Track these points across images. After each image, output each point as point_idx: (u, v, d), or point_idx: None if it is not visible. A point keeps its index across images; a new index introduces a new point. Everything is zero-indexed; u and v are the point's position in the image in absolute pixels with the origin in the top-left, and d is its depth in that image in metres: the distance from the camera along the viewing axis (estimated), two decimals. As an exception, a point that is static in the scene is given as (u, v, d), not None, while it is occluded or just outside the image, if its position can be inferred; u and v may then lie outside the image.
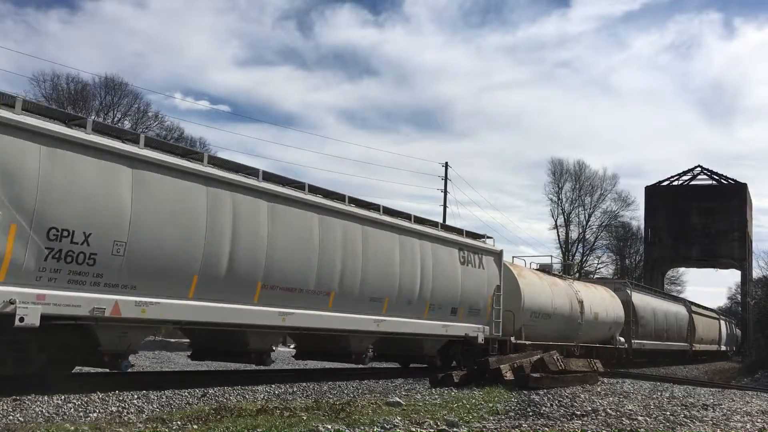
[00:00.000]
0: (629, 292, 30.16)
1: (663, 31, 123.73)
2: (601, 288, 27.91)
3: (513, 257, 23.68)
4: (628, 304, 29.00)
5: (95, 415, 8.22)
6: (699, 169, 57.41)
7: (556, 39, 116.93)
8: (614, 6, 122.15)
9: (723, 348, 50.82)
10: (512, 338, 19.34)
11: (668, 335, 34.87)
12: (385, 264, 14.71)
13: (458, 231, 18.30)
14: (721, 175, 56.94)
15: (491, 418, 8.48)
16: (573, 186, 69.03)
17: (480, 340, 17.86)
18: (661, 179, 58.73)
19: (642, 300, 31.78)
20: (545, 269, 24.73)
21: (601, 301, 26.12)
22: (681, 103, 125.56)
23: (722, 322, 51.72)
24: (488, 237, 19.35)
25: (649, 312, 31.97)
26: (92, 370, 11.48)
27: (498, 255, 19.28)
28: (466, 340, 17.62)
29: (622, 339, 27.83)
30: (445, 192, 45.39)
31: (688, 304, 41.18)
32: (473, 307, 17.69)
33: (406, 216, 16.11)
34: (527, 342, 20.07)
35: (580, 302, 24.03)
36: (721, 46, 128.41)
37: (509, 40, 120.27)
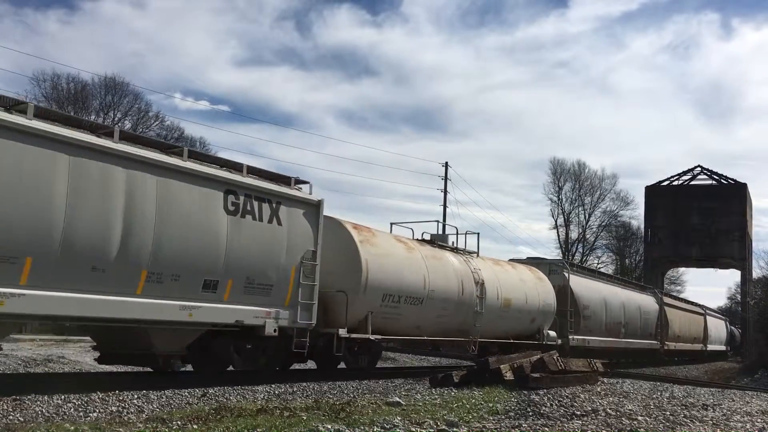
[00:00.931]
0: (567, 275, 24.10)
1: (661, 31, 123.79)
2: (522, 268, 21.73)
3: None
4: (564, 290, 23.31)
5: (95, 414, 8.22)
6: (699, 169, 57.42)
7: (554, 39, 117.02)
8: (612, 6, 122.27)
9: (712, 347, 46.24)
10: (342, 330, 14.02)
11: (628, 331, 29.06)
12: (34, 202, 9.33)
13: (234, 165, 12.57)
14: (721, 175, 56.95)
15: (491, 418, 8.48)
16: (573, 186, 69.16)
17: (270, 330, 12.51)
18: (659, 179, 58.82)
19: (586, 286, 25.77)
20: (433, 240, 18.42)
21: (518, 285, 20.18)
22: (679, 104, 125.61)
23: (710, 318, 47.15)
24: (303, 182, 13.88)
25: (596, 301, 26.13)
26: (93, 369, 11.49)
27: (314, 207, 13.56)
28: (244, 331, 12.47)
29: (553, 334, 21.80)
30: (445, 192, 45.44)
31: (659, 294, 35.59)
32: (258, 282, 12.30)
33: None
34: (375, 337, 14.94)
35: (480, 283, 18.09)
36: (719, 47, 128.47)
37: (507, 41, 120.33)
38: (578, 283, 24.87)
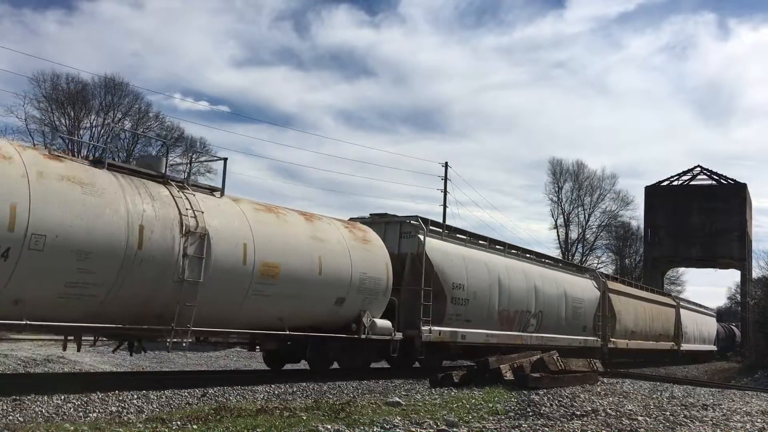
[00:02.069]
0: (422, 238, 16.71)
1: (658, 31, 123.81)
2: (328, 223, 14.78)
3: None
4: (414, 259, 16.68)
5: (95, 415, 8.22)
6: (699, 169, 57.36)
7: (551, 40, 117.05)
8: (609, 7, 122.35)
9: (690, 347, 39.78)
10: None
11: (544, 323, 21.88)
12: None
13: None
14: (720, 175, 56.91)
15: (491, 418, 8.48)
16: (572, 186, 69.13)
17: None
18: (657, 179, 58.73)
19: (458, 256, 18.05)
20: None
21: (302, 245, 13.46)
22: (677, 104, 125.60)
23: (687, 312, 40.23)
24: None
25: (478, 279, 18.52)
26: (93, 369, 11.49)
27: None
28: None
29: (384, 324, 15.11)
30: (445, 192, 45.37)
31: (601, 279, 28.08)
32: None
33: None
34: None
35: (196, 234, 11.34)
36: (717, 47, 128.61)
37: (505, 41, 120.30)
38: (443, 252, 17.39)
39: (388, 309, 15.66)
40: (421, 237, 16.77)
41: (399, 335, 15.55)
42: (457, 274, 17.71)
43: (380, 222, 17.34)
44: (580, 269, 28.77)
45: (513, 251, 22.14)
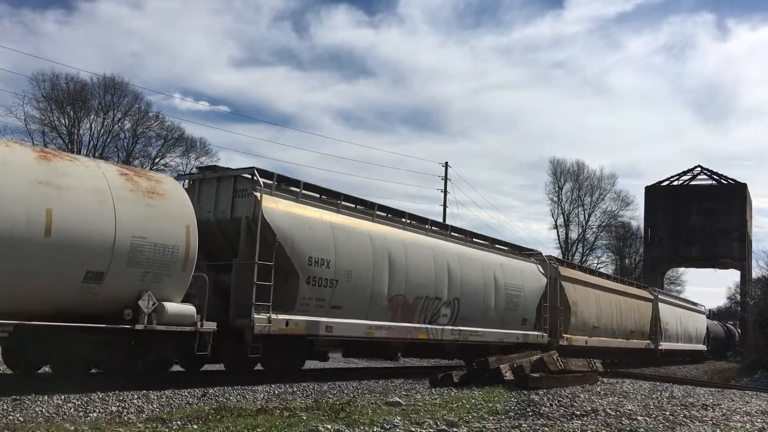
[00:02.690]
0: (258, 196, 12.86)
1: (656, 32, 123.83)
2: (73, 166, 10.30)
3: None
4: (249, 225, 12.84)
5: (95, 414, 8.22)
6: (699, 169, 57.37)
7: (550, 40, 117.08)
8: (607, 7, 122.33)
9: (671, 346, 35.56)
10: None
11: (461, 314, 17.65)
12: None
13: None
14: (720, 175, 56.92)
15: (491, 418, 8.49)
16: (573, 186, 69.17)
17: None
18: (656, 179, 58.81)
19: (321, 223, 13.99)
20: None
21: (21, 195, 9.35)
22: (675, 104, 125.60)
23: (667, 307, 35.77)
24: None
25: (353, 254, 14.47)
26: (92, 369, 11.49)
27: None
28: None
29: (183, 308, 11.13)
30: (445, 192, 45.39)
31: (553, 264, 23.73)
32: None
33: None
34: None
35: None
36: (715, 47, 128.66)
37: (504, 41, 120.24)
38: (293, 217, 13.28)
39: (221, 293, 12.42)
40: (258, 195, 12.75)
41: (210, 326, 11.42)
42: (317, 247, 13.51)
43: (212, 178, 13.64)
44: (523, 251, 23.16)
45: (415, 223, 17.32)
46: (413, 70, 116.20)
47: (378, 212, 16.04)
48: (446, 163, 46.20)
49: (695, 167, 57.49)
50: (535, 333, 21.47)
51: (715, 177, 56.94)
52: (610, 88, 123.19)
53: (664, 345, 34.18)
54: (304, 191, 14.16)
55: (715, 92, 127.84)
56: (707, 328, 45.92)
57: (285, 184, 13.91)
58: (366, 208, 15.75)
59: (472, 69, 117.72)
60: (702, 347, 43.81)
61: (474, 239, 19.93)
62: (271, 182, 13.37)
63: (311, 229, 13.68)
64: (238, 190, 13.25)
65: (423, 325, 16.45)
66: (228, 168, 13.86)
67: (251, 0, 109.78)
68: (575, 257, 65.19)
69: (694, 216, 53.92)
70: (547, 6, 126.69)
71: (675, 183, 57.17)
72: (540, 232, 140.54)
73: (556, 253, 63.39)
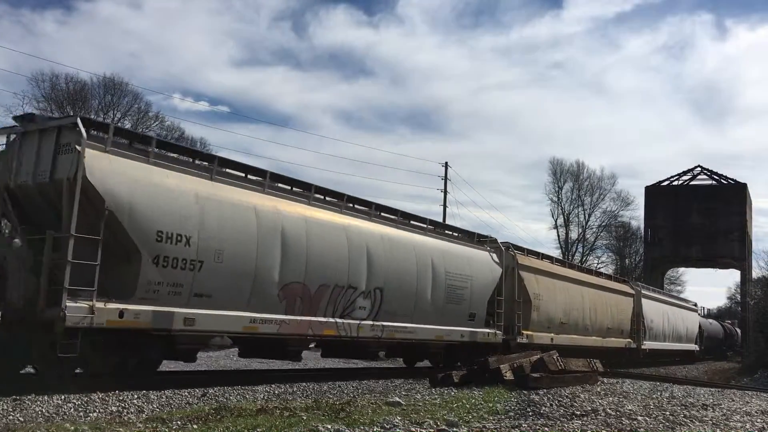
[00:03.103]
0: (80, 150, 10.11)
1: (655, 32, 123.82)
2: None
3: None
4: (70, 189, 10.18)
5: (95, 414, 8.22)
6: (699, 169, 57.37)
7: (549, 40, 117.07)
8: (606, 7, 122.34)
9: (656, 345, 32.18)
10: None
11: (385, 307, 15.11)
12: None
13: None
14: (721, 175, 56.92)
15: (491, 418, 8.49)
16: (573, 186, 69.18)
17: None
18: (655, 179, 58.78)
19: (179, 190, 11.46)
20: None
21: None
22: (674, 104, 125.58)
23: (652, 303, 32.44)
24: None
25: (226, 230, 11.97)
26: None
27: None
28: None
29: None
30: (445, 192, 45.38)
31: (505, 249, 20.67)
32: None
33: None
34: None
35: None
36: (714, 47, 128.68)
37: (502, 42, 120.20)
38: (133, 179, 10.78)
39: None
40: (80, 150, 10.06)
41: None
42: (170, 219, 11.00)
43: (33, 131, 10.84)
44: (475, 237, 19.94)
45: (328, 199, 14.70)
46: (412, 70, 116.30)
47: (271, 182, 13.25)
48: (446, 163, 46.15)
49: (695, 167, 57.50)
50: (485, 330, 18.60)
51: (715, 177, 56.94)
52: (609, 88, 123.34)
53: (649, 344, 30.93)
54: (162, 151, 11.53)
55: (713, 92, 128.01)
56: (700, 327, 42.98)
57: (131, 141, 11.32)
58: (256, 178, 13.10)
59: (471, 69, 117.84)
60: (693, 347, 40.57)
61: (411, 222, 17.15)
62: (105, 136, 10.67)
63: (162, 195, 11.02)
64: (61, 145, 10.47)
65: (331, 319, 13.71)
66: (51, 117, 11.19)
67: (250, 0, 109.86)
68: (575, 257, 65.20)
69: (694, 216, 53.91)
70: (546, 6, 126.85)
71: (675, 183, 57.17)
72: (539, 232, 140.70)
73: (557, 253, 63.41)
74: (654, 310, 32.74)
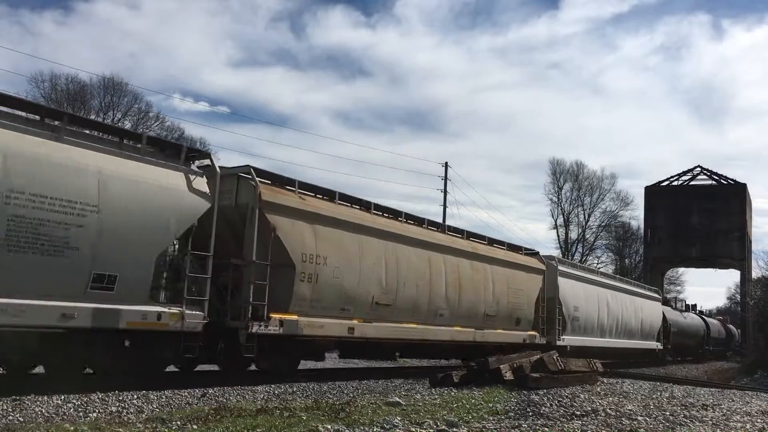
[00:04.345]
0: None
1: (652, 32, 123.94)
2: None
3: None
4: None
5: (95, 415, 8.21)
6: (699, 169, 57.42)
7: (546, 41, 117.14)
8: (603, 8, 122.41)
9: (583, 341, 23.79)
10: None
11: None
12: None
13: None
14: (720, 175, 56.96)
15: (491, 418, 8.48)
16: (572, 186, 69.18)
17: None
18: (653, 180, 59.00)
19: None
20: None
21: None
22: (671, 105, 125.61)
23: (580, 285, 24.43)
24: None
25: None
26: (92, 369, 11.48)
27: None
28: None
29: None
30: (445, 192, 45.37)
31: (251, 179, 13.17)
32: None
33: None
34: None
35: None
36: (711, 48, 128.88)
37: (500, 42, 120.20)
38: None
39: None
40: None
41: None
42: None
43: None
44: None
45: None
46: (410, 70, 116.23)
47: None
48: (446, 163, 46.10)
49: (695, 167, 57.55)
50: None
51: (714, 177, 56.98)
52: (607, 88, 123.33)
53: (571, 339, 23.08)
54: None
55: (710, 93, 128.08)
56: (665, 320, 35.12)
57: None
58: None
59: (469, 69, 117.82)
60: (654, 345, 32.55)
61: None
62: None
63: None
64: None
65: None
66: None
67: (248, 1, 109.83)
68: (575, 257, 65.18)
69: (694, 216, 53.94)
70: (543, 7, 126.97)
71: (675, 183, 57.21)
72: (537, 231, 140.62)
73: (556, 253, 63.46)
74: (580, 295, 24.34)
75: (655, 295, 34.65)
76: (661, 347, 33.90)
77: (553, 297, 22.45)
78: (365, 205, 15.49)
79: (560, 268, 23.37)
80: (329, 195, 14.52)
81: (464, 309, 17.84)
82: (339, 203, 14.62)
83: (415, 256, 16.15)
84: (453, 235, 18.51)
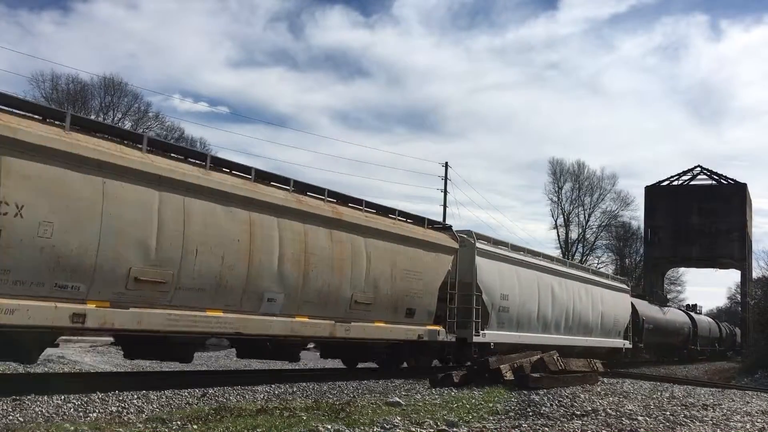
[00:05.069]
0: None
1: (650, 33, 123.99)
2: None
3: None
4: None
5: (95, 415, 8.21)
6: (699, 169, 57.40)
7: (544, 41, 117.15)
8: (601, 8, 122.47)
9: (513, 337, 19.26)
10: None
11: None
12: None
13: None
14: (720, 175, 56.94)
15: (491, 418, 8.49)
16: (573, 186, 69.18)
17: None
18: (652, 180, 59.03)
19: None
20: None
21: None
22: (670, 105, 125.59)
23: (512, 269, 19.78)
24: None
25: None
26: (93, 369, 11.50)
27: None
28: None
29: None
30: (445, 192, 45.36)
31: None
32: None
33: None
34: None
35: None
36: (709, 48, 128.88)
37: (498, 42, 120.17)
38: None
39: None
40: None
41: None
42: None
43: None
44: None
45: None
46: (409, 70, 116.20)
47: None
48: (446, 163, 46.11)
49: (695, 167, 57.53)
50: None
51: (715, 177, 56.97)
52: (605, 88, 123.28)
53: (496, 335, 18.48)
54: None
55: (709, 93, 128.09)
56: (636, 314, 30.67)
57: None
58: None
59: (468, 69, 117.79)
60: (620, 343, 27.70)
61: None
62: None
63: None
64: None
65: None
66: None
67: (247, 1, 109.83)
68: (575, 257, 65.17)
69: (694, 216, 53.93)
70: (541, 7, 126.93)
71: (675, 183, 57.21)
72: (537, 231, 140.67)
73: (557, 253, 63.32)
74: (510, 281, 19.50)
75: (622, 286, 29.72)
76: (630, 346, 28.92)
77: (471, 282, 17.66)
78: (134, 139, 10.81)
79: (480, 246, 18.34)
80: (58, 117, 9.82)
81: (314, 294, 13.19)
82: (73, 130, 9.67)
83: (224, 215, 11.38)
84: (305, 195, 13.50)
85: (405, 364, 17.04)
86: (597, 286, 26.05)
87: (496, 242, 20.19)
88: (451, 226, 18.41)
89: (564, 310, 22.63)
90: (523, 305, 20.10)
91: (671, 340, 36.85)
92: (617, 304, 27.87)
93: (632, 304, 30.46)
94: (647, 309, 33.89)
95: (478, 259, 18.12)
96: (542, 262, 22.33)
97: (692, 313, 43.20)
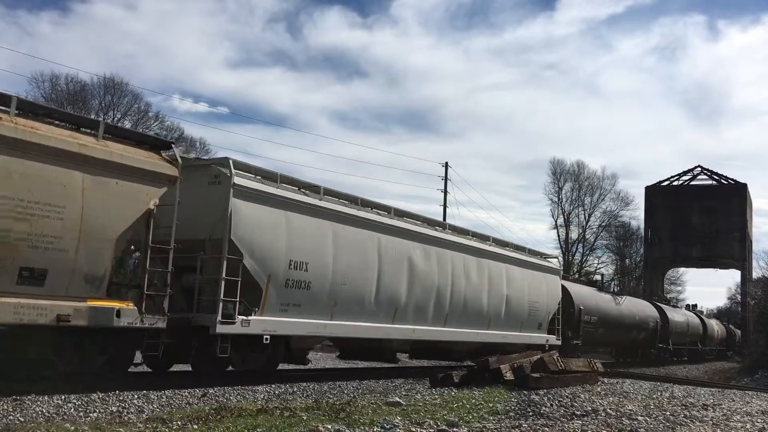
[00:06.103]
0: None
1: (648, 33, 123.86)
2: None
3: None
4: None
5: (95, 415, 8.22)
6: (699, 169, 57.44)
7: (542, 41, 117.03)
8: (599, 9, 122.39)
9: (344, 329, 13.90)
10: None
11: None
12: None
13: None
14: (721, 175, 56.97)
15: (491, 418, 8.49)
16: (573, 186, 69.13)
17: None
18: (651, 180, 59.03)
19: None
20: None
21: None
22: (668, 105, 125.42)
23: (340, 228, 13.71)
24: None
25: None
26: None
27: None
28: None
29: None
30: (445, 192, 45.36)
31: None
32: None
33: None
34: None
35: None
36: (706, 48, 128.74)
37: (496, 43, 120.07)
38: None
39: None
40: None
41: None
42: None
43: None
44: None
45: None
46: (407, 71, 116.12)
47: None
48: (446, 163, 46.06)
49: (695, 167, 57.57)
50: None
51: (715, 177, 56.99)
52: (603, 89, 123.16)
53: (276, 323, 12.60)
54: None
55: (706, 93, 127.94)
56: (571, 305, 24.32)
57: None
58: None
59: (466, 70, 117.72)
60: (540, 338, 21.22)
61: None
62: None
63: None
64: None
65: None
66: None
67: (245, 1, 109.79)
68: (575, 257, 65.15)
69: (694, 216, 53.95)
70: (539, 8, 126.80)
71: (675, 183, 57.22)
72: (536, 232, 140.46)
73: (557, 253, 63.31)
74: (308, 240, 13.25)
75: (548, 264, 22.83)
76: (559, 342, 22.28)
77: (221, 238, 11.72)
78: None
79: (241, 182, 12.03)
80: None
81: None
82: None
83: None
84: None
85: None
86: (501, 262, 19.60)
87: (290, 181, 13.50)
88: (171, 143, 11.62)
89: (434, 291, 16.54)
90: (344, 280, 13.91)
91: (628, 337, 30.39)
92: (538, 288, 21.36)
93: (565, 289, 23.70)
94: (589, 297, 26.57)
95: (238, 204, 11.85)
96: (387, 220, 15.44)
97: (663, 306, 35.93)
